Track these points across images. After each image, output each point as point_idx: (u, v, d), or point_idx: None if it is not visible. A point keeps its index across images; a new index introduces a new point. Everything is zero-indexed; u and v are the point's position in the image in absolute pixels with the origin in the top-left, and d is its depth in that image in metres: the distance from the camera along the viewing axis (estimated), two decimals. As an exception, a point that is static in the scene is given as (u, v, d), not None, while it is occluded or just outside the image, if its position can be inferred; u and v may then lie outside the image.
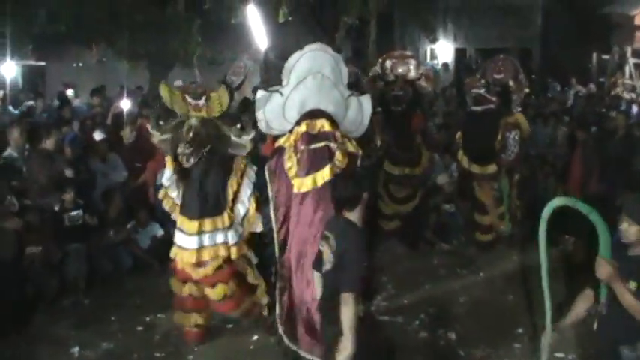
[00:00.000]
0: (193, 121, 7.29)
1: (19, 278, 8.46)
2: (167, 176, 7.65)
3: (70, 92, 19.64)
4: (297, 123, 7.32)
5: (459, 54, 32.85)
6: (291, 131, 7.38)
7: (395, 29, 31.43)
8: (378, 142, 11.47)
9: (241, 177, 7.59)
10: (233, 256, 7.57)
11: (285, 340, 7.43)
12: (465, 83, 11.63)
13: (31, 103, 17.39)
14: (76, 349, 7.81)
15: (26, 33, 19.47)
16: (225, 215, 7.50)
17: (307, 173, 7.16)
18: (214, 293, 7.59)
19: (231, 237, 7.54)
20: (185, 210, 7.55)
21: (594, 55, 31.11)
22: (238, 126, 7.55)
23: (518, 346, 7.83)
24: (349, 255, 5.26)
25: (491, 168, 11.16)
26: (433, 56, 32.66)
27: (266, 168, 7.52)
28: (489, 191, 11.27)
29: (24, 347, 7.76)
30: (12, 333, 7.97)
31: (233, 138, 7.45)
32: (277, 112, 7.42)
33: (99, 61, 23.25)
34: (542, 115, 16.59)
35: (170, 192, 7.69)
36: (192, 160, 7.27)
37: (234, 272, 7.67)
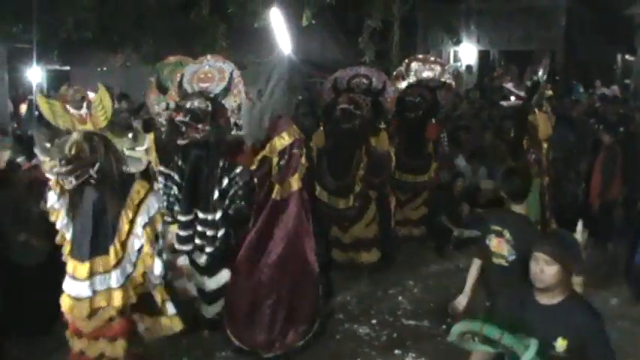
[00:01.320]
0: (75, 135, 5.94)
1: (48, 279, 8.48)
2: (53, 199, 6.20)
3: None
4: (273, 129, 7.72)
5: (483, 56, 32.77)
6: (268, 139, 7.66)
7: (418, 31, 31.39)
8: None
9: (139, 204, 6.16)
10: (115, 303, 6.13)
11: (236, 342, 7.69)
12: (493, 77, 11.54)
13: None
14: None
15: (52, 38, 19.61)
16: (112, 251, 6.10)
17: (292, 177, 7.61)
18: (113, 350, 6.30)
19: (116, 279, 6.13)
20: (75, 249, 6.17)
21: (619, 57, 30.95)
22: (130, 135, 6.19)
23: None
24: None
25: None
26: (456, 58, 32.59)
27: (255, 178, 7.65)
28: None
29: (51, 347, 7.81)
30: (41, 334, 8.02)
31: (127, 152, 6.15)
32: (257, 119, 7.72)
33: (123, 66, 23.38)
34: (567, 117, 16.48)
35: (60, 219, 6.25)
36: (72, 182, 5.84)
37: (130, 322, 6.37)
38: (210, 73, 7.62)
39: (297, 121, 13.14)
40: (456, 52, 32.78)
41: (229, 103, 7.53)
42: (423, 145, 11.33)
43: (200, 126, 7.23)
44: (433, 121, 11.50)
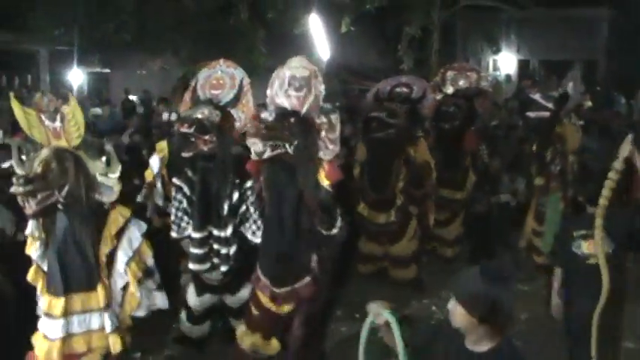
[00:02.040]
0: (45, 151, 5.20)
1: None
2: (33, 225, 5.45)
3: (134, 98, 20.00)
4: None
5: (522, 65, 32.59)
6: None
7: (458, 40, 31.32)
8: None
9: (117, 236, 5.53)
10: (114, 349, 5.56)
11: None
12: (522, 88, 11.19)
13: (97, 110, 17.76)
14: (137, 355, 7.88)
15: (92, 42, 19.86)
16: (100, 290, 5.45)
17: None
18: None
19: (109, 322, 5.49)
20: (50, 283, 5.50)
21: (661, 67, 30.60)
22: (103, 159, 5.45)
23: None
24: None
25: (538, 180, 10.29)
26: (496, 67, 32.45)
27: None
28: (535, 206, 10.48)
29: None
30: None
31: (99, 178, 5.41)
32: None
33: (162, 69, 23.58)
34: (606, 129, 16.28)
35: (35, 249, 5.53)
36: (32, 207, 5.13)
37: None
38: (222, 79, 7.16)
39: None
40: (495, 61, 32.64)
41: (237, 112, 7.05)
42: (460, 157, 10.82)
43: (207, 137, 6.61)
44: (471, 130, 10.94)
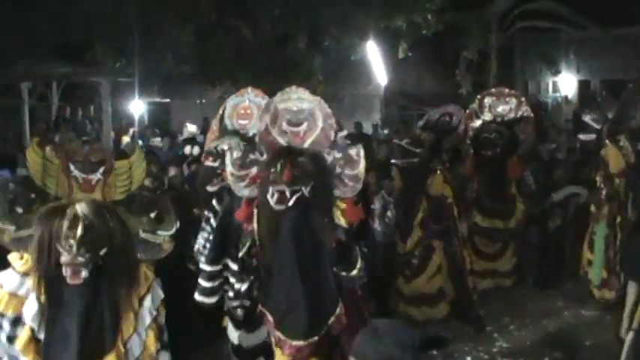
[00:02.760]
0: (81, 208, 4.19)
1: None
2: (32, 313, 4.25)
3: (193, 129, 20.26)
4: None
5: (583, 86, 32.20)
6: None
7: (515, 62, 31.09)
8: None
9: (144, 296, 4.54)
10: None
11: None
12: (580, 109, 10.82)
13: (157, 140, 18.03)
14: None
15: (153, 73, 20.19)
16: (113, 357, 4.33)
17: None
18: None
19: None
20: (49, 353, 4.27)
21: None
22: (152, 215, 4.60)
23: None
24: None
25: (593, 207, 10.01)
26: (555, 89, 32.10)
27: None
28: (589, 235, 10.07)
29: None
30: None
31: (142, 235, 4.49)
32: None
33: (221, 98, 23.87)
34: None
35: (29, 312, 4.29)
36: (83, 275, 4.14)
37: None
38: (249, 108, 6.71)
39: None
40: (555, 83, 32.28)
41: None
42: (505, 186, 10.49)
43: None
44: (514, 157, 10.51)
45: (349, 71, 22.79)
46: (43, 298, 4.23)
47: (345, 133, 14.78)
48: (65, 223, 4.14)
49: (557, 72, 30.94)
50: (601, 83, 30.86)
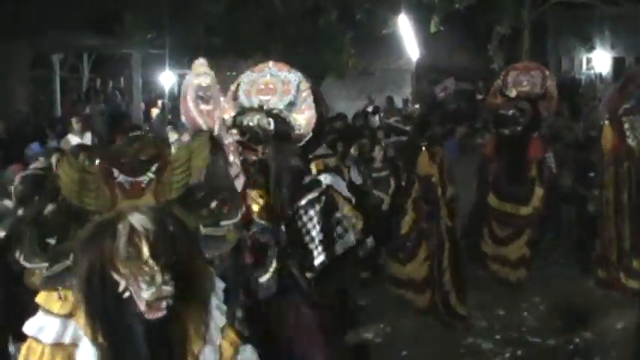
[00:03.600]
0: (137, 221, 3.16)
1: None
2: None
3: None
4: None
5: (617, 63, 31.79)
6: None
7: (549, 38, 30.79)
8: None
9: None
10: None
11: None
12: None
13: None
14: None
15: (183, 45, 20.19)
16: None
17: None
18: None
19: None
20: None
21: None
22: (213, 204, 3.75)
23: None
24: None
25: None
26: (589, 66, 31.77)
27: None
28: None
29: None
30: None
31: (204, 231, 3.53)
32: None
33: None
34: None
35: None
36: (164, 306, 3.15)
37: None
38: (272, 83, 6.02)
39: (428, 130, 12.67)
40: (589, 59, 31.93)
41: (295, 120, 5.77)
42: (525, 167, 9.78)
43: (260, 148, 5.47)
44: (535, 136, 9.85)
45: (380, 45, 22.66)
46: (101, 340, 3.24)
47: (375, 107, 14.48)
48: (121, 244, 3.09)
49: (591, 48, 30.62)
50: (636, 60, 30.59)
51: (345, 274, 6.69)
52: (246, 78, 6.03)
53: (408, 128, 8.73)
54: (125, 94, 22.39)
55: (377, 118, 18.17)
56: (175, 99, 22.13)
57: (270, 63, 6.08)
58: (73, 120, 12.96)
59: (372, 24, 21.91)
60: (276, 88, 5.95)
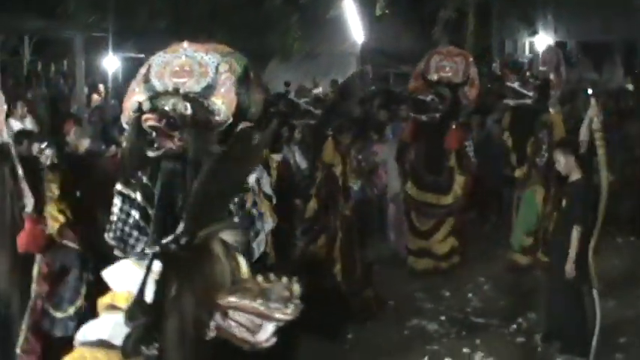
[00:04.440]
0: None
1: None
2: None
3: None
4: None
5: (559, 47, 32.13)
6: None
7: (493, 21, 30.99)
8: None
9: None
10: None
11: None
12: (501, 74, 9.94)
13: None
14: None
15: (127, 28, 19.96)
16: None
17: None
18: None
19: None
20: None
21: None
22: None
23: (620, 356, 7.49)
24: None
25: (519, 172, 9.68)
26: (532, 49, 32.06)
27: None
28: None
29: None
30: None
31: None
32: None
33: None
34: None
35: None
36: None
37: None
38: (187, 65, 5.37)
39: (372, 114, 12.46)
40: (532, 43, 32.21)
41: (214, 104, 5.20)
42: (443, 156, 9.54)
43: (176, 134, 4.96)
44: (455, 125, 9.54)
45: (326, 28, 22.63)
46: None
47: (320, 90, 14.57)
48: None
49: (534, 32, 30.87)
50: (577, 44, 30.95)
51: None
52: (158, 59, 5.39)
53: (317, 112, 8.25)
54: (68, 78, 22.05)
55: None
56: (120, 84, 21.91)
57: (185, 43, 5.44)
58: (18, 104, 12.64)
59: (317, 7, 21.91)
60: (193, 70, 5.33)
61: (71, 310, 4.94)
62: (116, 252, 5.13)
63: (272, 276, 3.46)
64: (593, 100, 6.89)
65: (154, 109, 4.97)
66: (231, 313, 3.32)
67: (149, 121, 4.94)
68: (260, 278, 3.42)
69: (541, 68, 10.13)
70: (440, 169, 9.57)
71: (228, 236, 3.84)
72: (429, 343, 7.96)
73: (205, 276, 3.37)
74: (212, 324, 3.31)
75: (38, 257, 5.06)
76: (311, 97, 8.06)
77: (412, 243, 9.74)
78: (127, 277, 3.84)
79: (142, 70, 5.29)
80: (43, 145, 6.87)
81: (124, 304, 3.57)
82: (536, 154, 9.38)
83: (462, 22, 26.40)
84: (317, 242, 8.29)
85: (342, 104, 8.60)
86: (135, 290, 3.44)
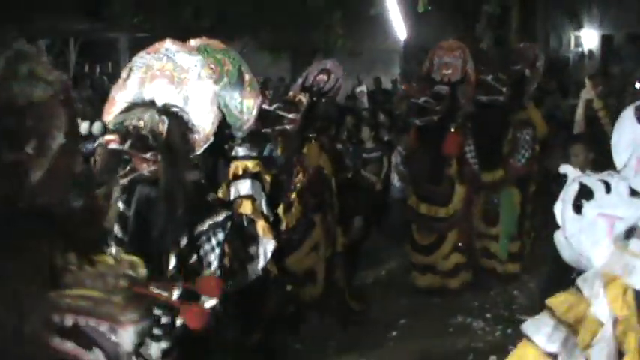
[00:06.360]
0: None
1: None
2: None
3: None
4: None
5: (605, 41, 31.71)
6: None
7: (538, 16, 30.69)
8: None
9: None
10: None
11: None
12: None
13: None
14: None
15: (171, 28, 20.12)
16: None
17: None
18: None
19: None
20: None
21: None
22: None
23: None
24: None
25: (498, 174, 9.02)
26: (578, 44, 31.69)
27: None
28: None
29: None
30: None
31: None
32: None
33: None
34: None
35: None
36: None
37: None
38: (168, 69, 4.56)
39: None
40: (577, 37, 31.84)
41: (193, 119, 4.44)
42: (442, 164, 8.74)
43: (149, 155, 4.28)
44: (454, 130, 8.61)
45: (369, 25, 22.64)
46: None
47: (364, 87, 14.60)
48: None
49: (579, 27, 30.53)
50: (624, 37, 30.50)
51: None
52: (140, 61, 4.67)
53: (291, 116, 7.32)
54: (113, 80, 22.25)
55: (365, 99, 18.19)
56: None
57: (168, 42, 4.64)
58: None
59: (361, 4, 21.90)
60: (173, 75, 4.57)
61: None
62: None
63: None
64: (587, 81, 6.67)
65: (117, 130, 4.36)
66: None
67: (110, 143, 4.35)
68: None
69: (514, 67, 9.40)
70: (439, 179, 8.83)
71: None
72: (474, 341, 7.93)
73: None
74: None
75: None
76: (281, 100, 7.53)
77: (414, 257, 9.19)
78: None
79: (123, 74, 4.66)
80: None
81: None
82: (512, 154, 8.93)
83: (506, 18, 26.19)
84: (300, 248, 7.77)
85: (318, 108, 7.91)
86: None
